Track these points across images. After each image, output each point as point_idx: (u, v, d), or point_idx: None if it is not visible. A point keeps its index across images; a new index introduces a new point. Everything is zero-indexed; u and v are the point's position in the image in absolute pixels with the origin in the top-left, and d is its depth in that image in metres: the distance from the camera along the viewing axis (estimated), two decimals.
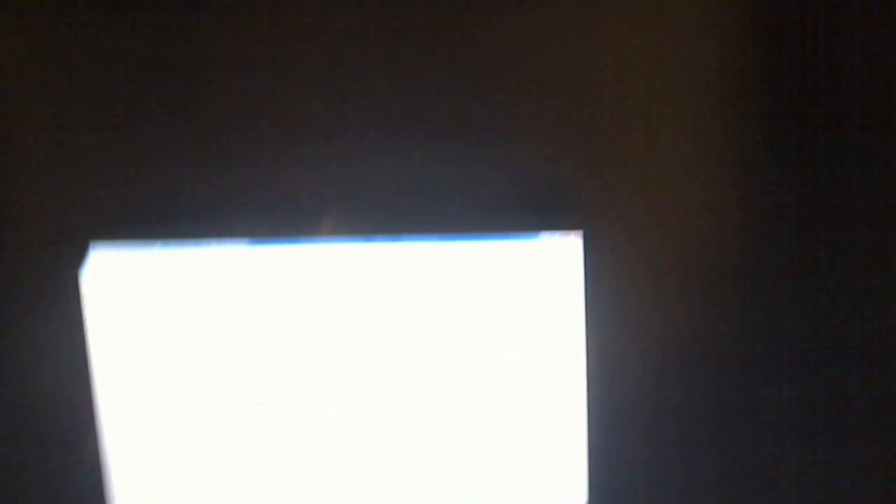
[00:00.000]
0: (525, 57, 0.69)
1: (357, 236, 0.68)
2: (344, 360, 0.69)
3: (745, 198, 0.72)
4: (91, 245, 0.69)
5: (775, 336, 0.74)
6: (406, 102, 0.70)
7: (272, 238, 0.70)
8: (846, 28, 0.67)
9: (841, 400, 0.75)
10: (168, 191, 0.73)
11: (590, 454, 0.69)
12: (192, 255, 0.69)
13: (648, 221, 0.71)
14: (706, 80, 0.69)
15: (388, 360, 0.69)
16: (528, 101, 0.70)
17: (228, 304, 0.68)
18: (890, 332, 0.73)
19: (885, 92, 0.69)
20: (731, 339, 0.74)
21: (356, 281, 0.68)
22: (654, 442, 0.76)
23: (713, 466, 0.76)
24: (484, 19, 0.68)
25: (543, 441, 0.70)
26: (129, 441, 0.71)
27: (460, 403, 0.69)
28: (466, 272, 0.68)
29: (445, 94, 0.70)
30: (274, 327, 0.69)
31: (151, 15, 0.68)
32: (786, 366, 0.75)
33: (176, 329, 0.69)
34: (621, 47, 0.69)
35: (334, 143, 0.71)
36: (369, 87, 0.70)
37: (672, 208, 0.71)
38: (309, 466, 0.71)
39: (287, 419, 0.70)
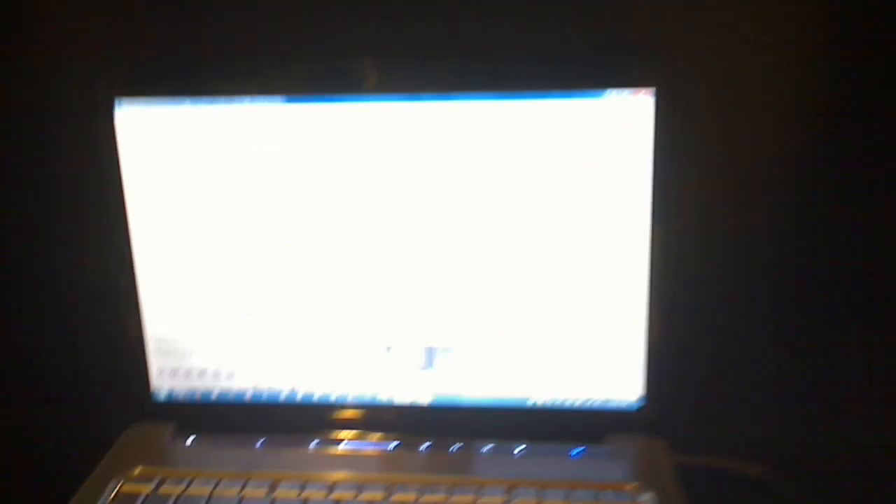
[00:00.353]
0: None
1: (419, 94, 0.66)
2: (402, 218, 0.69)
3: (824, 59, 0.69)
4: (120, 101, 0.68)
5: (846, 202, 0.72)
6: None
7: (345, 94, 0.67)
8: None
9: None
10: (201, 46, 0.71)
11: (650, 317, 0.68)
12: (225, 112, 0.68)
13: (724, 79, 0.69)
14: None
15: (446, 217, 0.68)
16: None
17: (268, 160, 0.68)
18: None
19: None
20: (801, 203, 0.72)
21: (421, 138, 0.67)
22: (717, 306, 0.75)
23: (777, 343, 0.76)
24: None
25: (604, 306, 0.69)
26: (164, 294, 0.72)
27: (523, 270, 0.68)
28: (534, 130, 0.66)
29: None
30: (327, 185, 0.68)
31: None
32: (854, 232, 0.73)
33: (209, 184, 0.69)
34: None
35: None
36: None
37: (749, 65, 0.69)
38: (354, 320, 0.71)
39: (329, 276, 0.70)
